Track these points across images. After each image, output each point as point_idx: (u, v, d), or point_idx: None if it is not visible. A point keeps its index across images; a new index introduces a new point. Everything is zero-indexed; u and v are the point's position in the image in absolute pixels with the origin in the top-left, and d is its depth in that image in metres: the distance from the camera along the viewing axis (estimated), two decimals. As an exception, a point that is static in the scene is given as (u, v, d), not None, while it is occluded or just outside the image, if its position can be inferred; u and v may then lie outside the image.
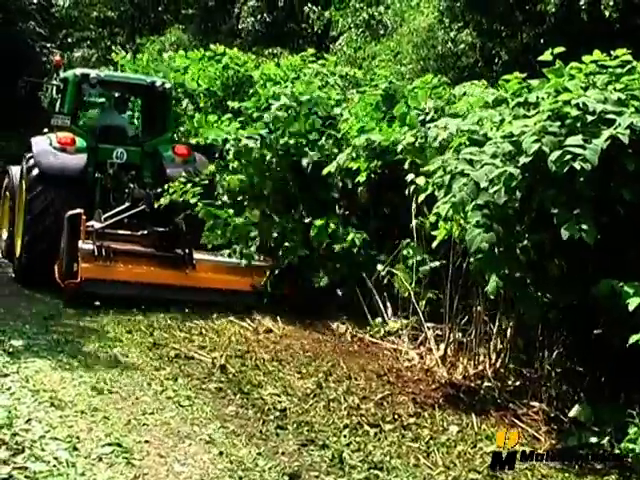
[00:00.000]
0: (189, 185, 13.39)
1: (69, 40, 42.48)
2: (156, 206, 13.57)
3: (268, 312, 12.58)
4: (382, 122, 12.23)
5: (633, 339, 7.01)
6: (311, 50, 16.64)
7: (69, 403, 7.92)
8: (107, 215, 13.48)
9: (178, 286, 12.86)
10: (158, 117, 15.96)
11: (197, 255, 13.32)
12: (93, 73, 15.63)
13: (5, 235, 16.30)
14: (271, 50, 30.82)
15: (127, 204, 13.93)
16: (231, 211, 13.31)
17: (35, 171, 13.92)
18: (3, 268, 15.91)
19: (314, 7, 28.54)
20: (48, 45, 37.80)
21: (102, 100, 15.98)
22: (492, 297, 8.35)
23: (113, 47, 35.71)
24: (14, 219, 15.37)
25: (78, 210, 12.74)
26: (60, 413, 7.60)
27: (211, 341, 10.95)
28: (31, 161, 14.19)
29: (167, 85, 15.97)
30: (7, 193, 16.42)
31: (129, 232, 13.57)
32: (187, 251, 13.22)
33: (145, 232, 13.52)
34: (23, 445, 6.64)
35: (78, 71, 15.86)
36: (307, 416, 8.19)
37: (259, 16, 33.24)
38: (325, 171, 12.48)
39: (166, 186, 13.53)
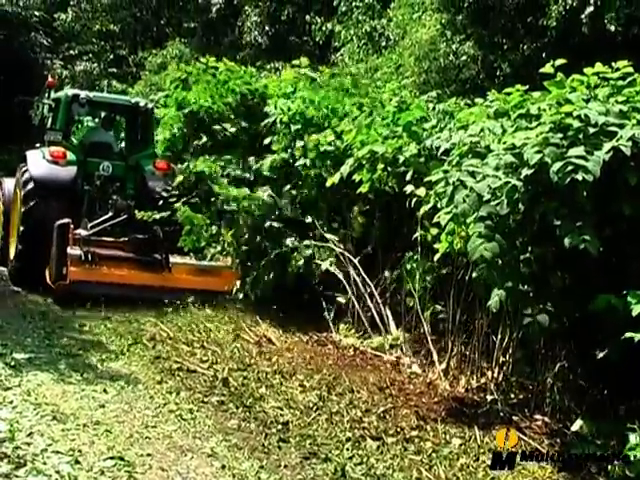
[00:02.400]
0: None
1: (71, 53, 42.56)
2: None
3: (270, 325, 12.59)
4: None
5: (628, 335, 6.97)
6: (305, 60, 16.41)
7: (71, 416, 7.92)
8: (93, 224, 14.67)
9: (156, 286, 14.13)
10: (141, 134, 17.54)
11: (173, 259, 14.72)
12: (83, 94, 16.96)
13: None
14: (273, 64, 30.90)
15: (110, 214, 15.16)
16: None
17: (29, 181, 15.30)
18: (5, 281, 15.96)
19: (316, 17, 28.59)
20: (50, 56, 37.92)
21: (91, 118, 17.71)
22: (494, 311, 8.32)
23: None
24: (7, 227, 16.89)
25: (67, 220, 14.02)
26: (62, 426, 7.59)
27: (213, 354, 10.92)
28: (26, 172, 15.52)
29: (149, 105, 17.51)
30: (0, 204, 17.66)
31: (112, 239, 14.80)
32: (164, 255, 14.63)
33: (126, 239, 14.79)
34: (25, 459, 6.63)
35: (69, 92, 17.42)
36: (309, 429, 8.17)
37: (261, 29, 33.30)
38: (329, 183, 12.50)
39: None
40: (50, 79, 18.67)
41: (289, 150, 13.80)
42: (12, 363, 9.71)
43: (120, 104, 18.26)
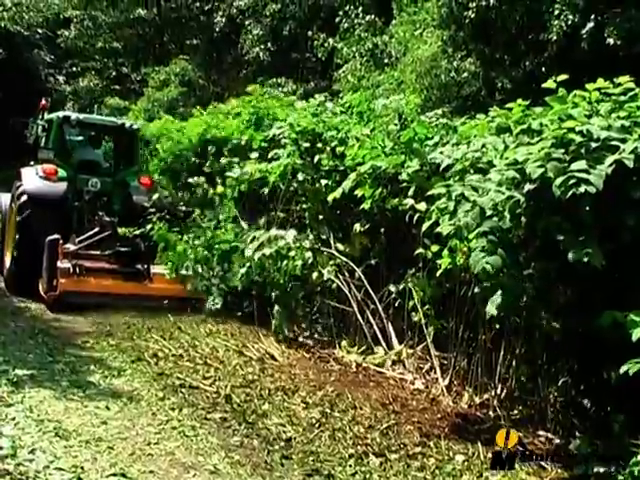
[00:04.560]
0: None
1: (74, 69, 42.67)
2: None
3: (273, 341, 12.59)
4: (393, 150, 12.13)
5: (624, 368, 6.96)
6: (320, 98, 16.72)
7: (73, 433, 7.90)
8: (80, 239, 15.88)
9: (138, 295, 15.27)
10: (127, 153, 18.92)
11: (154, 269, 15.88)
12: (73, 116, 18.76)
13: None
14: (275, 80, 30.98)
15: (96, 229, 16.27)
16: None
17: (23, 196, 16.46)
18: (9, 297, 16.03)
19: (319, 34, 28.65)
20: (53, 72, 38.02)
21: (80, 138, 18.86)
22: (492, 318, 8.29)
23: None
24: (4, 238, 18.17)
25: (57, 236, 15.18)
26: (64, 443, 7.58)
27: (216, 371, 10.91)
28: (20, 188, 16.74)
29: (135, 126, 19.38)
30: None
31: (98, 252, 15.90)
32: (145, 266, 15.85)
33: (111, 252, 15.91)
34: (27, 475, 6.63)
35: (60, 114, 18.90)
36: (312, 446, 8.16)
37: (263, 45, 33.38)
38: (330, 197, 12.49)
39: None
40: (43, 102, 19.66)
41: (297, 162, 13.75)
42: (14, 379, 9.68)
43: (108, 125, 19.72)
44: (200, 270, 15.27)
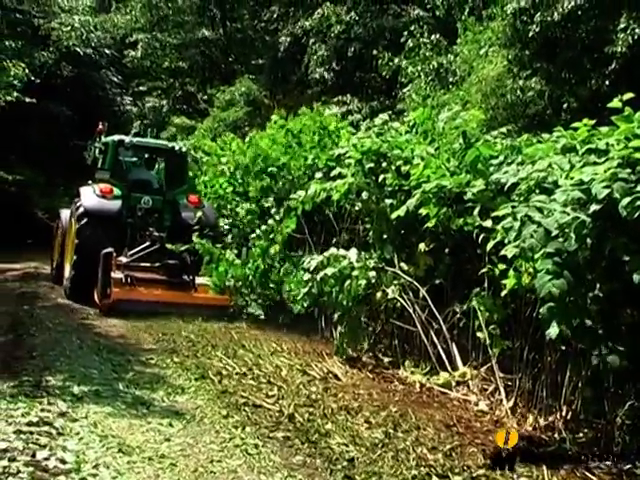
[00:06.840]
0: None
1: (141, 89, 43.19)
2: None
3: (336, 361, 12.57)
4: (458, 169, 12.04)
5: None
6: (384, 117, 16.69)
7: (137, 449, 7.95)
8: (132, 252, 17.62)
9: (184, 303, 16.74)
10: (177, 173, 20.42)
11: (198, 280, 17.46)
12: (127, 139, 20.30)
13: (55, 264, 21.43)
14: (341, 97, 31.05)
15: (147, 243, 17.96)
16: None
17: (82, 212, 18.14)
18: (74, 313, 16.30)
19: (384, 52, 28.66)
20: (120, 92, 38.49)
21: (134, 159, 20.17)
22: (558, 344, 8.20)
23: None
24: (62, 252, 20.19)
25: (110, 249, 16.63)
26: (128, 459, 7.62)
27: (279, 389, 10.90)
28: (79, 205, 18.49)
29: (184, 149, 21.27)
30: (58, 232, 21.45)
31: (148, 264, 17.52)
32: (191, 277, 17.49)
33: (160, 264, 17.52)
34: (91, 490, 6.68)
35: (116, 137, 20.37)
36: (375, 466, 8.09)
37: (328, 66, 33.46)
38: (394, 215, 12.43)
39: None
40: (100, 126, 21.24)
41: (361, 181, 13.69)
42: (79, 395, 9.80)
43: (159, 147, 21.38)
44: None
